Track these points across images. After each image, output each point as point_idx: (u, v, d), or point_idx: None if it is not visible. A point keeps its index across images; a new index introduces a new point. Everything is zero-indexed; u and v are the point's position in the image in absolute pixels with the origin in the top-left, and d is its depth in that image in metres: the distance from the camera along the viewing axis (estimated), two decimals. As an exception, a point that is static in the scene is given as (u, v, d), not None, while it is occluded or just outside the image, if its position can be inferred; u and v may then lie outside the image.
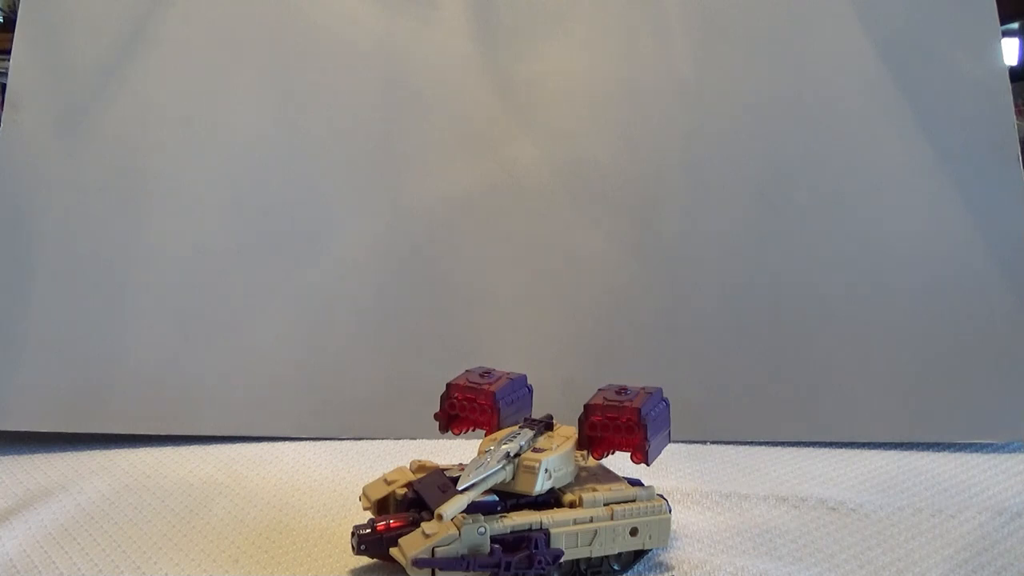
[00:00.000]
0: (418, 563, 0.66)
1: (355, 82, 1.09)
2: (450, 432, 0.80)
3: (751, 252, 1.07)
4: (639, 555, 0.75)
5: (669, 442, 0.78)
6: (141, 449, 1.01)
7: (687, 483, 0.92)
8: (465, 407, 0.79)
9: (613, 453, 0.75)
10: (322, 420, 1.06)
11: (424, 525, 0.68)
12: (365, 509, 0.76)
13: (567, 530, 0.70)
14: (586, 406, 0.76)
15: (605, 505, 0.72)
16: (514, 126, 1.09)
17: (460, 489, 0.67)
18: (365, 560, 0.74)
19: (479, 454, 0.71)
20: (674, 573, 0.74)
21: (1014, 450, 1.03)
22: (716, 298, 1.07)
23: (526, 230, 1.09)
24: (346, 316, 1.08)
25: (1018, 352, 1.04)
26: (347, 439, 1.05)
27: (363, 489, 0.77)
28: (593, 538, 0.71)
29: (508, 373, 0.81)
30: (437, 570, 0.66)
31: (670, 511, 0.74)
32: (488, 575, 0.68)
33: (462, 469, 0.71)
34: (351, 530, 0.71)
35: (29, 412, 1.01)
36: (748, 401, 1.06)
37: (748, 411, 1.06)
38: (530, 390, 0.82)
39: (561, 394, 0.93)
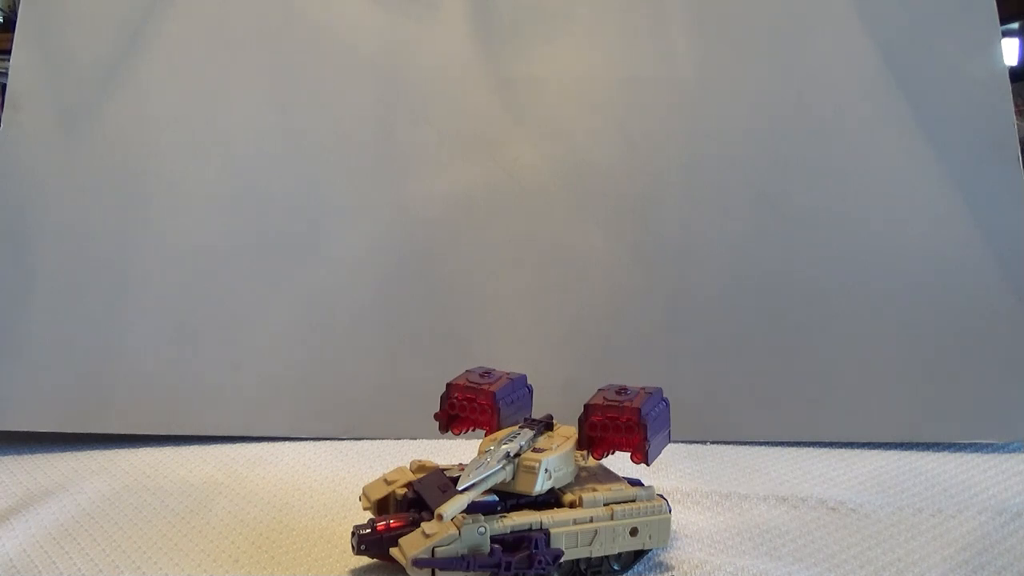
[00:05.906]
0: (418, 563, 0.66)
1: (355, 82, 1.09)
2: (450, 432, 0.80)
3: (751, 252, 1.07)
4: (639, 555, 0.75)
5: (669, 442, 0.78)
6: (141, 449, 1.01)
7: (687, 483, 0.92)
8: (465, 407, 0.79)
9: (613, 453, 0.75)
10: (322, 420, 1.06)
11: (424, 525, 0.68)
12: (365, 509, 0.76)
13: (567, 530, 0.70)
14: (586, 406, 0.76)
15: (605, 505, 0.72)
16: (514, 126, 1.09)
17: (460, 489, 0.67)
18: (365, 560, 0.74)
19: (479, 454, 0.71)
20: (674, 573, 0.74)
21: (1014, 450, 1.03)
22: (716, 298, 1.07)
23: (526, 230, 1.09)
24: (346, 316, 1.08)
25: (1018, 352, 1.04)
26: (347, 439, 1.05)
27: (363, 489, 0.77)
28: (593, 538, 0.71)
29: (508, 373, 0.81)
30: (437, 570, 0.66)
31: (670, 511, 0.74)
32: (488, 575, 0.68)
33: (462, 469, 0.71)
34: (351, 530, 0.71)
35: (29, 412, 1.02)
36: (748, 401, 1.06)
37: (748, 411, 1.06)
38: (530, 390, 0.82)
39: (561, 394, 0.93)
